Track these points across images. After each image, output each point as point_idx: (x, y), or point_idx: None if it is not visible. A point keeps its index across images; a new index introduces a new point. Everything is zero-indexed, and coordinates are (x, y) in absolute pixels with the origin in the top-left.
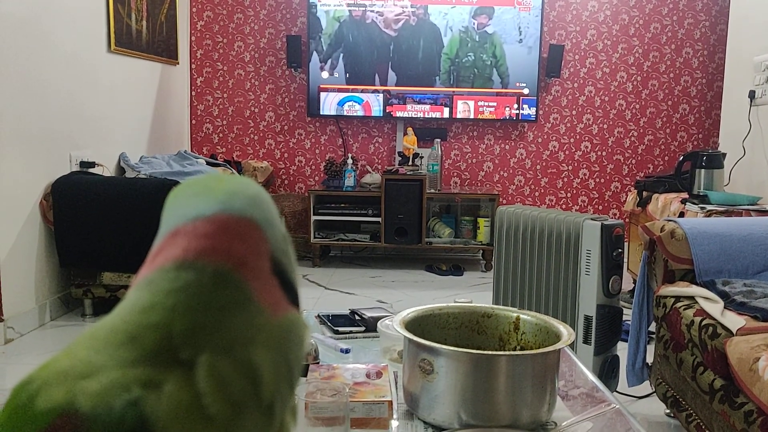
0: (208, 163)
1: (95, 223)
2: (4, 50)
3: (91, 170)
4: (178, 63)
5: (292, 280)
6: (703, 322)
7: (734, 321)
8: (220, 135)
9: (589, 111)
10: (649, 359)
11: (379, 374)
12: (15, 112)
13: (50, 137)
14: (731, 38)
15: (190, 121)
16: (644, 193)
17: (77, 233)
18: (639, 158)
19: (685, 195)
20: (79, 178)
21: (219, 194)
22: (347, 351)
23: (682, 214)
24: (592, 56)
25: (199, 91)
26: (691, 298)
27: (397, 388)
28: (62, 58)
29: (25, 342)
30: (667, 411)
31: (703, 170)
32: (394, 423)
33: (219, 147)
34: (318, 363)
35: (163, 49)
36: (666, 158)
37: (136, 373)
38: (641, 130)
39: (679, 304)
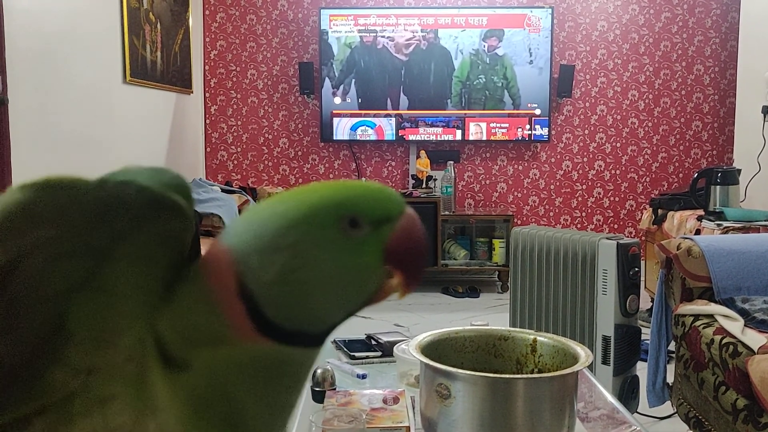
0: (223, 191)
1: None
2: (24, 83)
3: None
4: (192, 92)
5: (267, 312)
6: (724, 341)
7: (755, 339)
8: (235, 162)
9: (601, 130)
10: (670, 379)
11: (396, 399)
12: (32, 144)
13: (66, 168)
14: (742, 54)
15: (205, 149)
16: (659, 211)
17: None
18: (653, 176)
19: (700, 212)
20: None
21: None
22: (364, 376)
23: (698, 232)
24: (603, 75)
25: (213, 119)
26: (711, 316)
27: (414, 414)
28: (78, 90)
29: None
30: None
31: (718, 187)
32: None
33: (234, 174)
34: (334, 389)
35: (177, 78)
36: (680, 175)
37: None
38: (654, 148)
39: (698, 323)
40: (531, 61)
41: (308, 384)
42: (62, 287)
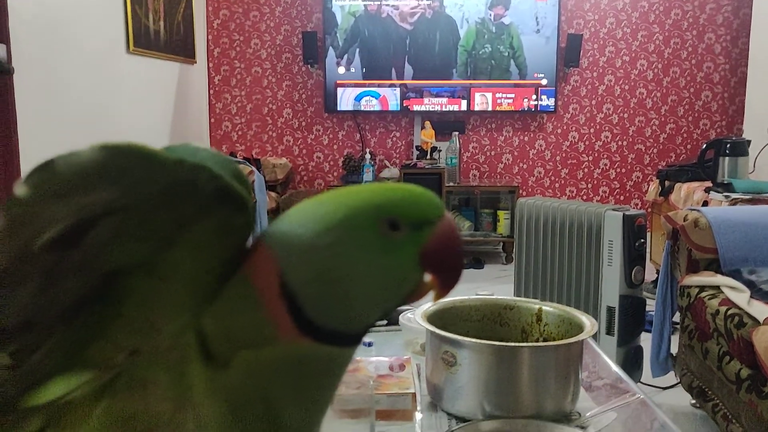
0: None
1: None
2: (28, 52)
3: None
4: (195, 62)
5: (307, 311)
6: (729, 312)
7: (761, 310)
8: (239, 133)
9: (609, 100)
10: (673, 350)
11: (402, 367)
12: (38, 113)
13: (71, 138)
14: (756, 22)
15: (209, 120)
16: (666, 183)
17: None
18: (661, 147)
19: (708, 184)
20: None
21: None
22: (370, 344)
23: (705, 203)
24: (612, 45)
25: (217, 89)
26: (716, 287)
27: (420, 381)
28: (83, 60)
29: None
30: (693, 401)
31: (727, 158)
32: (418, 415)
33: (238, 145)
34: None
35: (180, 48)
36: (688, 146)
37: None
38: (663, 119)
39: (703, 294)
40: (538, 30)
41: None
42: (121, 265)
